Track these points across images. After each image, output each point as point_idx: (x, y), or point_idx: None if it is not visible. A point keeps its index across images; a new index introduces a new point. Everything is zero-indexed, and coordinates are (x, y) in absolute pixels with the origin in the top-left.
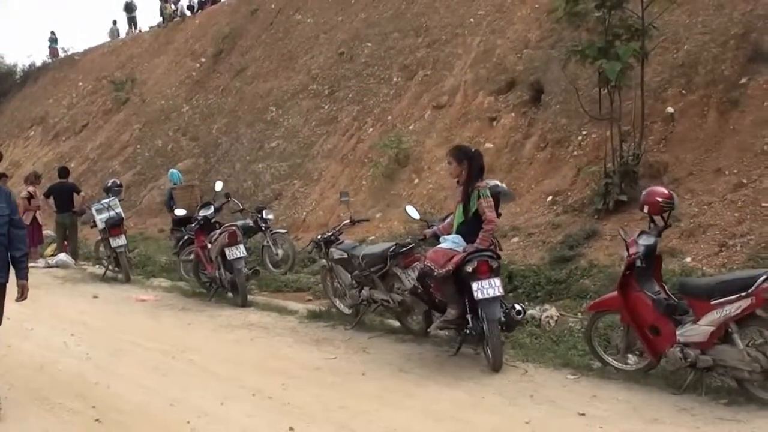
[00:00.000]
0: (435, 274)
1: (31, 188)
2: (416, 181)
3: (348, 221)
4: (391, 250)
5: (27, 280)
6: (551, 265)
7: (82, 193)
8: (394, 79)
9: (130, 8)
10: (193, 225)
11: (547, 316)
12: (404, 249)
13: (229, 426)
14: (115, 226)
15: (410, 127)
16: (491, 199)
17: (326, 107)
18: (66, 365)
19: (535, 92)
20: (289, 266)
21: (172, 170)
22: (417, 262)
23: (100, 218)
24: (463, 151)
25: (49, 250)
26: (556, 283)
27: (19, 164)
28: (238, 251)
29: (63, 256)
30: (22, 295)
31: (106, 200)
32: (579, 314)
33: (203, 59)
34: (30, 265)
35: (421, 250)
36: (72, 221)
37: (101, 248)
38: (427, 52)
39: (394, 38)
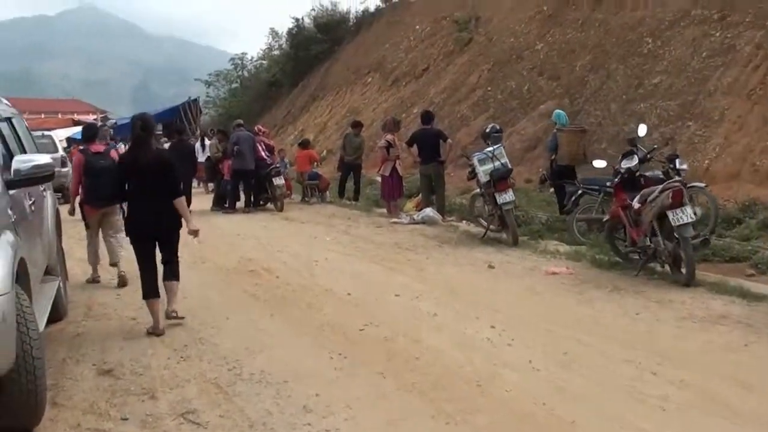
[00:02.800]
0: None
1: (389, 136)
2: None
3: None
4: None
5: None
6: None
7: (449, 141)
8: None
9: None
10: (614, 179)
11: None
12: None
13: None
14: (502, 178)
15: None
16: None
17: (718, 34)
18: (511, 383)
19: None
20: (710, 228)
21: (557, 111)
22: None
23: (484, 169)
24: None
25: (410, 204)
26: None
27: (357, 111)
28: (686, 215)
29: (429, 211)
30: None
31: (490, 149)
32: None
33: None
34: (392, 221)
35: None
36: (438, 172)
37: (478, 204)
38: None
39: None
